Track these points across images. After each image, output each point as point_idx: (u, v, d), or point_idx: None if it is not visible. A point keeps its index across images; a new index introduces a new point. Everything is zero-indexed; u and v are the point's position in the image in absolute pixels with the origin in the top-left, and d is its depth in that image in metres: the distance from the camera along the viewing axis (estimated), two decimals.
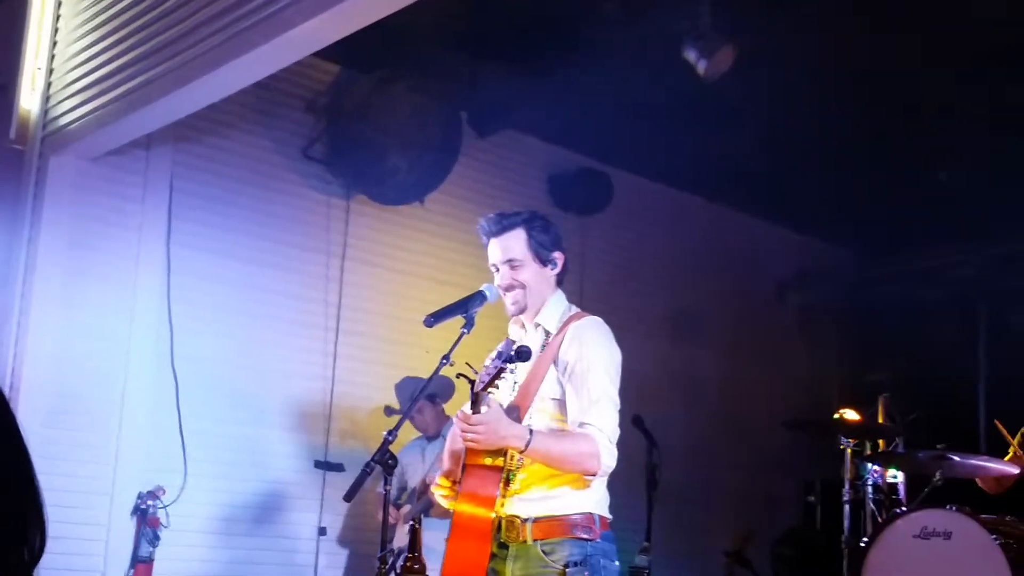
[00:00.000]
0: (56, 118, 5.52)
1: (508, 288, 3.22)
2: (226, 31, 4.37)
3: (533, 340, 3.27)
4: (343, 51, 5.58)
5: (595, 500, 3.16)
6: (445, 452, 3.27)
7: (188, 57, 4.57)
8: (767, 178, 7.36)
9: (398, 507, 5.66)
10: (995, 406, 7.39)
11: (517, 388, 3.20)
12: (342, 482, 6.02)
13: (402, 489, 5.77)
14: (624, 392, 3.17)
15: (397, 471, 4.96)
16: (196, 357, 5.83)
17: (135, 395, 5.65)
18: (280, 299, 6.19)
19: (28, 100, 5.72)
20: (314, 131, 6.39)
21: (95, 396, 5.52)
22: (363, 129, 6.15)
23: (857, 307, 8.37)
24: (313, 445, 6.22)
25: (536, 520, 3.09)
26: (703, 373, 7.81)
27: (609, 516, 3.18)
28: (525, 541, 3.09)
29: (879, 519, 5.27)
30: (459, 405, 3.14)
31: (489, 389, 2.94)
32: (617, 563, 3.16)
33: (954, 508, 4.73)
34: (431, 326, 3.04)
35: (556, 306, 3.29)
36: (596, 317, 3.25)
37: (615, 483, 3.26)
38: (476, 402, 2.98)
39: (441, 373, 3.06)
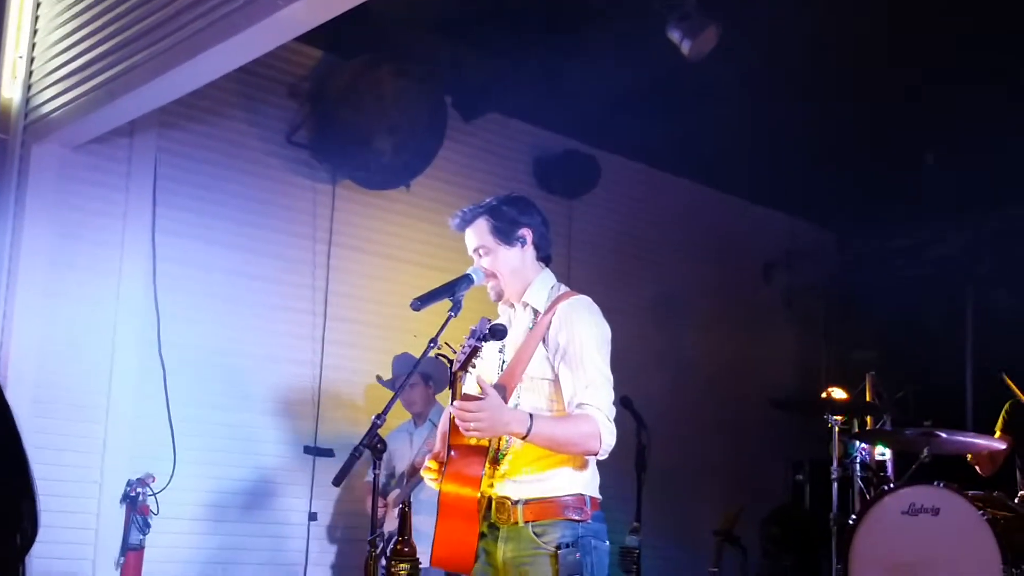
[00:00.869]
0: (38, 107, 5.49)
1: (485, 276, 3.25)
2: (208, 16, 4.33)
3: (522, 320, 3.28)
4: (326, 36, 5.58)
5: (585, 481, 3.17)
6: (437, 435, 3.28)
7: (170, 43, 4.54)
8: (752, 158, 7.37)
9: (387, 493, 5.67)
10: (982, 383, 7.43)
11: (504, 367, 3.20)
12: (332, 467, 6.00)
13: (391, 475, 5.78)
14: (612, 373, 3.17)
15: (385, 456, 4.96)
16: (183, 344, 5.81)
17: (122, 383, 5.63)
18: (267, 285, 6.18)
19: (9, 89, 5.68)
20: (298, 116, 6.36)
21: (82, 385, 5.51)
22: (347, 114, 6.13)
23: (843, 286, 8.40)
24: (302, 431, 6.22)
25: (527, 502, 3.10)
26: (691, 354, 7.83)
27: (599, 497, 3.19)
28: (516, 523, 3.10)
29: (867, 496, 5.31)
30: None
31: (467, 368, 2.93)
32: (607, 543, 3.17)
33: (942, 484, 4.77)
34: (418, 310, 3.04)
35: (543, 285, 3.30)
36: (584, 296, 3.25)
37: (604, 464, 3.27)
38: (454, 382, 2.98)
39: (422, 355, 3.07)
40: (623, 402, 5.61)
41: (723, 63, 5.53)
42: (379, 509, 3.35)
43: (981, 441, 5.15)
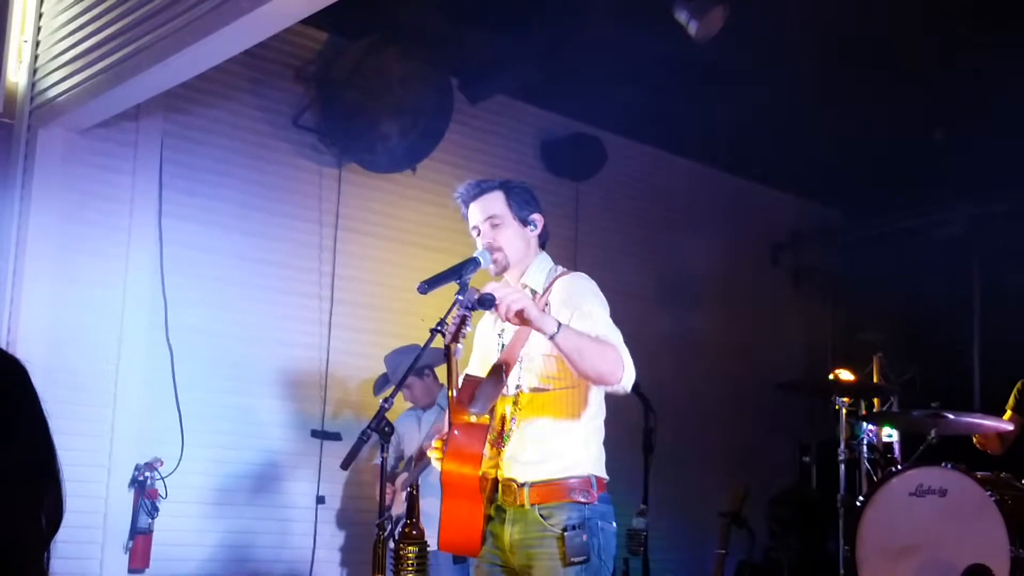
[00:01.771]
0: (44, 91, 5.48)
1: (488, 249, 3.23)
2: None
3: None
4: (331, 18, 5.54)
5: (592, 461, 3.17)
6: (445, 417, 3.28)
7: (176, 26, 4.53)
8: (759, 140, 7.35)
9: (395, 477, 5.68)
10: (990, 364, 7.42)
11: (504, 347, 3.20)
12: (339, 451, 6.04)
13: (399, 458, 5.79)
14: None
15: (393, 440, 4.97)
16: (191, 328, 5.82)
17: (130, 367, 5.64)
18: (273, 269, 6.18)
19: (15, 73, 5.68)
20: (304, 100, 6.35)
21: (90, 370, 5.52)
22: (353, 97, 6.11)
23: (850, 267, 8.37)
24: (309, 414, 6.23)
25: (533, 484, 3.10)
26: (697, 336, 7.83)
27: (606, 477, 3.19)
28: (523, 505, 3.11)
29: (874, 478, 5.30)
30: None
31: (459, 339, 2.92)
32: (614, 524, 3.18)
33: (949, 465, 4.76)
34: (425, 293, 3.03)
35: (541, 267, 3.31)
36: (580, 272, 3.27)
37: (611, 446, 3.27)
38: (449, 355, 2.97)
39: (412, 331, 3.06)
40: None
41: (730, 44, 5.50)
42: (387, 493, 3.36)
43: (988, 422, 5.14)
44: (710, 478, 7.43)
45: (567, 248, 7.07)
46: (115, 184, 5.71)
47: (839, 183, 8.00)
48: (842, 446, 5.41)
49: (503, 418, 3.18)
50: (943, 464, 4.79)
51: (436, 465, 3.11)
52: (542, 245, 3.38)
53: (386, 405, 3.00)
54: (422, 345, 3.13)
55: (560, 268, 3.33)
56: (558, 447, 3.12)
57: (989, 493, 4.57)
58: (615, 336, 3.05)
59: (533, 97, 7.20)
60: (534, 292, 3.25)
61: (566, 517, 3.06)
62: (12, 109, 5.63)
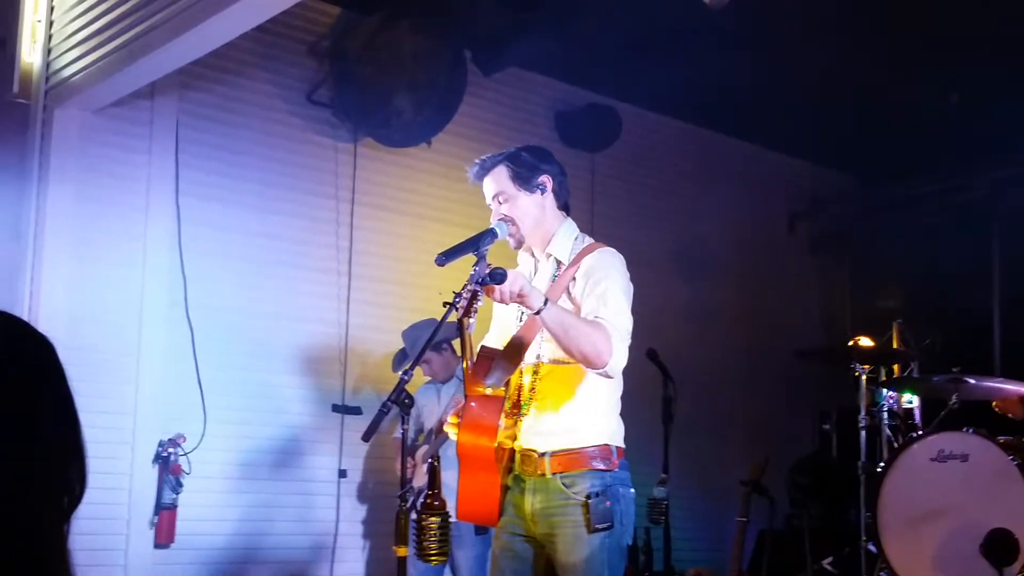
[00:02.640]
0: (58, 71, 5.49)
1: (501, 223, 3.23)
2: None
3: (545, 270, 3.28)
4: None
5: (611, 432, 3.19)
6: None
7: (189, 3, 4.53)
8: (775, 107, 7.30)
9: (415, 450, 5.70)
10: (1010, 329, 7.39)
11: (524, 318, 3.21)
12: (360, 425, 6.06)
13: (419, 431, 5.81)
14: (638, 326, 3.17)
15: (414, 412, 4.99)
16: (210, 306, 5.85)
17: (151, 345, 5.68)
18: (291, 245, 6.20)
19: (29, 53, 5.68)
20: (318, 75, 6.34)
21: (111, 348, 5.55)
22: (367, 71, 6.10)
23: (868, 234, 8.34)
24: (330, 389, 6.26)
25: (554, 454, 3.12)
26: (715, 305, 7.82)
27: (623, 446, 3.21)
28: (544, 475, 3.12)
29: (895, 444, 5.29)
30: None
31: (470, 314, 2.92)
32: (633, 490, 3.20)
33: (971, 430, 4.75)
34: (443, 264, 3.03)
35: (567, 235, 3.30)
36: (610, 248, 3.25)
37: (631, 417, 3.28)
38: (461, 329, 2.98)
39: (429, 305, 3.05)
40: (649, 354, 5.62)
41: (745, 10, 5.45)
42: (408, 466, 3.38)
43: (1009, 386, 5.12)
44: (730, 447, 7.44)
45: (583, 219, 7.01)
46: (132, 163, 5.73)
47: (856, 149, 7.95)
48: (862, 413, 5.40)
49: (519, 388, 3.20)
50: (964, 429, 4.78)
51: (453, 437, 3.13)
52: (564, 207, 3.35)
53: (405, 378, 3.01)
54: (439, 320, 3.13)
55: (587, 239, 3.32)
56: (577, 418, 3.14)
57: (1011, 458, 4.56)
58: (619, 321, 3.05)
59: (547, 68, 7.17)
60: (559, 262, 3.25)
61: (588, 485, 3.08)
62: (27, 89, 5.65)
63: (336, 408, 6.24)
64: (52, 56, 5.58)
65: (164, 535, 5.55)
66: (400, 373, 3.08)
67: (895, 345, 5.82)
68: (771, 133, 7.98)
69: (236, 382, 5.91)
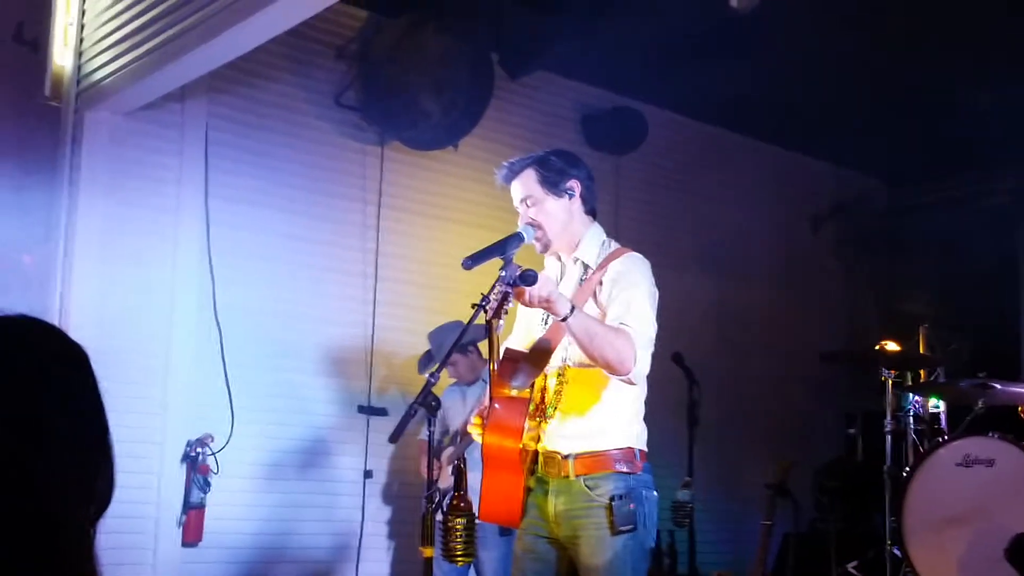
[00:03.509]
0: (89, 74, 5.55)
1: (532, 227, 3.25)
2: None
3: (572, 274, 3.30)
4: None
5: (635, 434, 3.20)
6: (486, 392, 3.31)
7: (219, 7, 4.57)
8: (800, 110, 7.29)
9: (440, 451, 5.73)
10: None
11: (549, 321, 3.22)
12: (386, 426, 6.11)
13: (444, 433, 5.84)
14: (662, 329, 3.19)
15: (439, 414, 5.01)
16: (238, 307, 5.89)
17: (180, 346, 5.74)
18: (318, 247, 6.24)
19: (61, 56, 5.74)
20: (346, 78, 6.38)
21: (141, 348, 5.61)
22: (394, 74, 6.13)
23: (894, 237, 8.30)
24: (356, 390, 6.30)
25: (578, 456, 3.13)
26: (740, 308, 7.81)
27: (647, 450, 3.22)
28: (567, 477, 3.14)
29: (921, 449, 5.28)
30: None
31: (500, 315, 2.94)
32: (656, 493, 3.21)
33: (997, 435, 4.74)
34: (469, 268, 3.05)
35: (594, 240, 3.31)
36: (637, 253, 3.26)
37: (656, 420, 3.30)
38: (490, 331, 3.00)
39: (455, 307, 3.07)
40: (674, 358, 5.63)
41: (770, 14, 5.45)
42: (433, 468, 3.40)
43: None
44: (754, 450, 7.43)
45: (608, 222, 7.02)
46: (162, 165, 5.78)
47: (881, 152, 7.92)
48: (888, 417, 5.39)
49: (543, 390, 3.21)
50: (990, 434, 4.76)
51: (477, 439, 3.15)
52: (591, 212, 3.37)
53: (432, 380, 3.03)
54: (465, 322, 3.15)
55: (614, 244, 3.33)
56: (602, 421, 3.15)
57: None
58: (643, 328, 3.06)
59: (573, 71, 7.18)
60: (587, 267, 3.26)
61: (612, 487, 3.10)
62: (59, 92, 5.71)
63: (362, 409, 6.28)
64: (83, 59, 5.64)
65: (192, 534, 5.60)
66: (427, 375, 3.10)
67: (921, 350, 5.80)
68: (796, 136, 7.96)
69: (263, 383, 5.96)
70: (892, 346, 5.68)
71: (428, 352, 5.84)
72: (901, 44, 6.36)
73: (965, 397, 5.13)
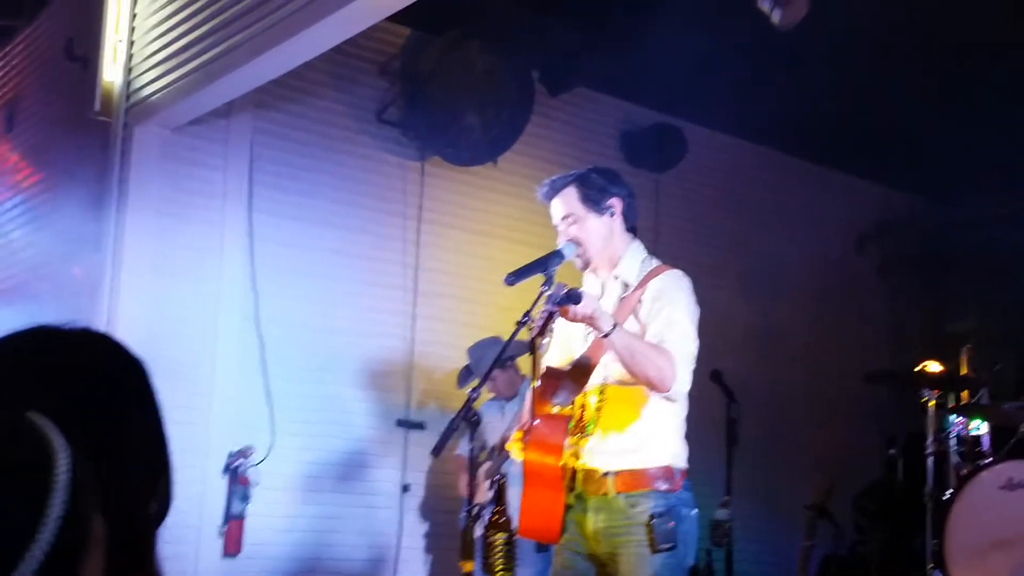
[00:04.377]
0: (138, 89, 5.65)
1: (569, 244, 3.27)
2: None
3: (612, 291, 3.30)
4: (414, 14, 5.60)
5: (675, 452, 3.20)
6: (525, 407, 3.33)
7: (265, 25, 4.64)
8: (843, 128, 7.24)
9: (478, 466, 5.73)
10: None
11: (591, 338, 3.23)
12: (424, 440, 6.14)
13: (482, 448, 5.85)
14: (702, 347, 3.19)
15: (478, 429, 5.03)
16: (281, 321, 5.95)
17: (225, 358, 5.80)
18: (359, 262, 6.29)
19: (110, 73, 5.85)
20: (388, 95, 6.44)
21: (187, 360, 5.67)
22: (436, 91, 6.19)
23: (938, 256, 8.22)
24: (395, 404, 6.34)
25: (618, 473, 3.14)
26: (781, 327, 7.76)
27: (687, 467, 3.22)
28: (607, 494, 3.14)
29: (963, 472, 5.22)
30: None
31: (545, 334, 2.97)
32: (696, 511, 3.21)
33: None
34: (512, 284, 3.07)
35: (634, 257, 3.32)
36: (678, 271, 3.27)
37: (695, 438, 3.29)
38: (534, 349, 3.02)
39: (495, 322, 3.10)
40: (713, 376, 5.61)
41: (812, 31, 5.44)
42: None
43: None
44: (795, 470, 7.37)
45: (648, 239, 7.02)
46: (208, 180, 5.86)
47: (925, 170, 7.85)
48: (930, 439, 5.33)
49: (583, 408, 3.22)
50: None
51: (515, 456, 3.16)
52: (631, 229, 3.38)
53: (474, 396, 3.06)
54: (504, 337, 3.17)
55: (655, 261, 3.34)
56: (642, 438, 3.15)
57: None
58: (683, 346, 3.08)
59: (614, 88, 7.19)
60: (627, 284, 3.27)
61: (652, 505, 3.10)
62: (108, 108, 5.81)
63: (401, 423, 6.31)
64: (132, 75, 5.74)
65: (232, 544, 5.65)
66: (468, 390, 3.12)
67: (964, 371, 5.74)
68: (839, 154, 7.92)
69: (304, 395, 6.01)
70: (935, 366, 5.63)
71: (467, 367, 5.86)
72: (947, 60, 6.32)
73: (1009, 419, 5.07)
